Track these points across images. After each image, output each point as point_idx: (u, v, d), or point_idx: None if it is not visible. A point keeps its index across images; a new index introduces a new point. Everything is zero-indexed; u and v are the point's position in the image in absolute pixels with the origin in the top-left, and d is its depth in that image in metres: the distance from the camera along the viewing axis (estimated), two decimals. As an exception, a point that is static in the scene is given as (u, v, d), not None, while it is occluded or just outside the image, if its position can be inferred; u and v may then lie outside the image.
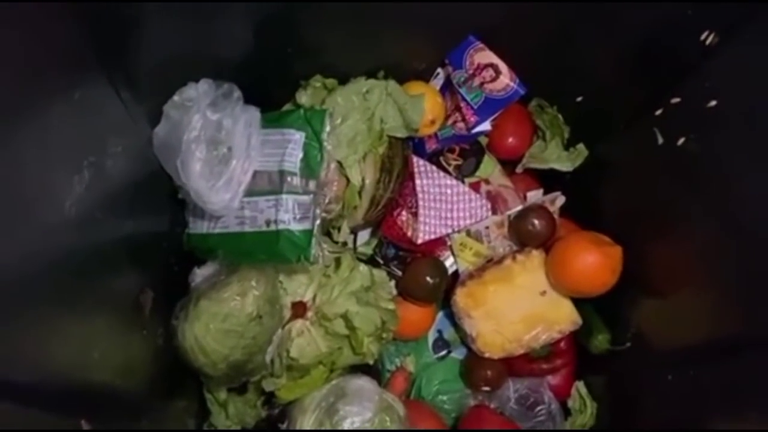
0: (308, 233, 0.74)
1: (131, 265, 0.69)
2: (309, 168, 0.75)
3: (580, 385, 0.89)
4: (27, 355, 0.48)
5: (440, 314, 0.92)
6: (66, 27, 0.55)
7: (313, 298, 0.79)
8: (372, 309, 0.78)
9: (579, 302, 0.85)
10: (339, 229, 0.84)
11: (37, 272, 0.50)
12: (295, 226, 0.74)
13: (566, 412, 0.89)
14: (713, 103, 0.63)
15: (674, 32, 0.67)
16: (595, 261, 0.79)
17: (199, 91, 0.75)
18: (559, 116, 0.87)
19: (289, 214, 0.73)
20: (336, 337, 0.78)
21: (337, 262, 0.81)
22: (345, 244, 0.86)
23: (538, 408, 0.87)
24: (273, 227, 0.74)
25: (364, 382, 0.79)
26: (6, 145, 0.46)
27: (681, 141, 0.68)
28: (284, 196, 0.73)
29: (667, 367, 0.73)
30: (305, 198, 0.74)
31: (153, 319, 0.74)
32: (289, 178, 0.74)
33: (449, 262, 0.89)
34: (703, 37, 0.63)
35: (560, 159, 0.86)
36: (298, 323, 0.79)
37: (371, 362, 0.80)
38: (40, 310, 0.50)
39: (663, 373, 0.72)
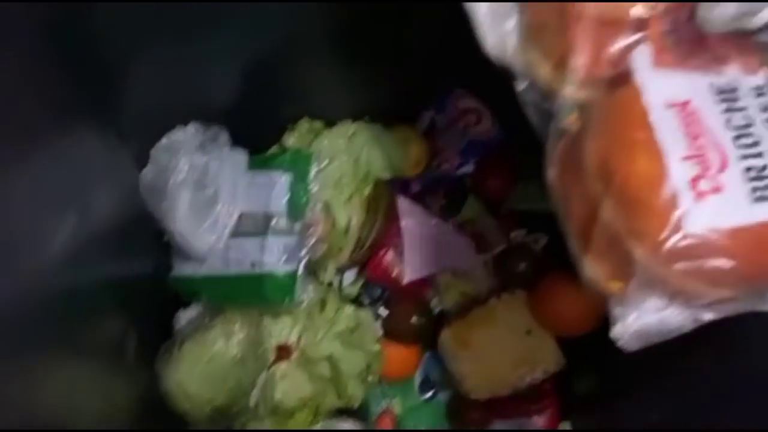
0: (293, 275, 0.75)
1: (116, 309, 0.69)
2: (295, 210, 0.75)
3: (566, 426, 0.88)
4: (6, 401, 0.48)
5: (427, 355, 0.91)
6: (53, 73, 0.56)
7: (298, 340, 0.79)
8: (357, 351, 0.77)
9: (563, 342, 0.86)
10: (325, 270, 0.84)
11: (20, 316, 0.50)
12: (281, 268, 0.74)
13: (553, 453, 0.88)
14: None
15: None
16: (578, 302, 0.80)
17: (187, 134, 0.76)
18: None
19: (274, 256, 0.74)
20: (321, 380, 0.77)
21: (322, 303, 0.81)
22: (330, 284, 0.86)
23: (525, 449, 0.86)
24: (258, 269, 0.74)
25: (349, 426, 0.79)
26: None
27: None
28: (270, 238, 0.74)
29: (652, 406, 0.73)
30: (291, 240, 0.75)
31: (137, 362, 0.73)
32: (274, 220, 0.74)
33: (435, 302, 0.89)
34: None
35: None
36: (283, 366, 0.78)
37: (356, 406, 0.80)
38: (22, 355, 0.49)
39: (648, 413, 0.72)
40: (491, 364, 0.84)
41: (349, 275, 0.89)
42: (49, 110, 0.56)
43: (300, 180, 0.76)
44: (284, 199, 0.75)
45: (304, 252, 0.76)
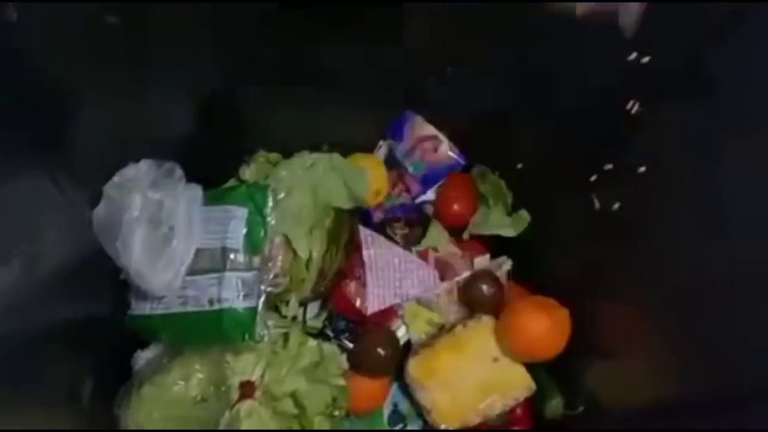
0: (253, 311, 0.73)
1: (68, 354, 0.67)
2: (252, 244, 0.74)
3: (539, 452, 0.87)
4: None
5: (394, 386, 0.89)
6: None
7: (261, 377, 0.77)
8: (322, 386, 0.76)
9: (531, 367, 0.85)
10: (287, 303, 0.83)
11: None
12: (239, 304, 0.73)
13: (526, 480, 0.87)
14: (642, 168, 0.66)
15: (603, 102, 0.70)
16: (543, 325, 0.79)
17: (140, 171, 0.75)
18: (502, 182, 0.89)
19: (232, 292, 0.72)
20: (285, 417, 0.76)
21: (285, 337, 0.79)
22: (294, 318, 0.85)
23: (497, 478, 0.85)
24: (216, 306, 0.73)
25: (316, 463, 0.77)
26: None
27: (616, 206, 0.70)
28: (227, 274, 0.73)
29: (623, 428, 0.72)
30: (249, 275, 0.74)
31: (94, 408, 0.71)
32: (232, 255, 0.73)
33: (401, 332, 0.88)
34: (628, 106, 0.66)
35: (504, 225, 0.87)
36: (247, 404, 0.76)
37: (322, 442, 0.78)
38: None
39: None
40: (459, 392, 0.83)
41: (313, 308, 0.88)
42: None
43: (257, 213, 0.75)
44: (241, 234, 0.74)
45: (263, 287, 0.75)
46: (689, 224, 0.61)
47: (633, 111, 0.66)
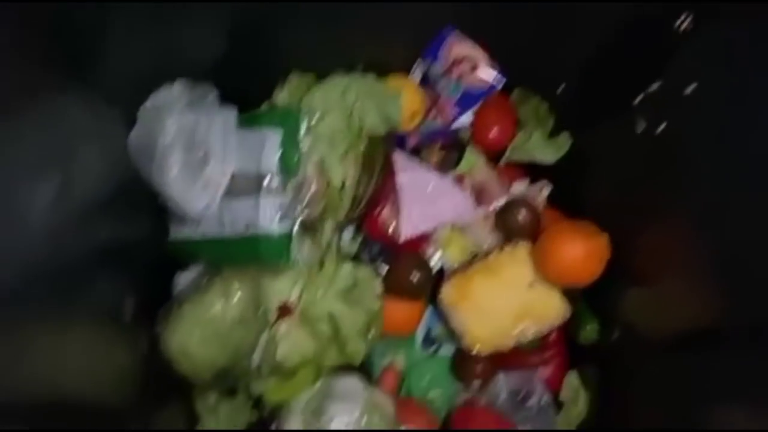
0: (288, 235, 0.73)
1: (110, 273, 0.68)
2: (287, 168, 0.74)
3: (572, 376, 0.87)
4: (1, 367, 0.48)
5: (429, 310, 0.90)
6: (32, 32, 0.54)
7: (298, 299, 0.78)
8: (357, 309, 0.77)
9: (566, 292, 0.84)
10: (322, 229, 0.83)
11: (8, 283, 0.49)
12: (275, 229, 0.73)
13: (558, 404, 0.88)
14: (692, 87, 0.62)
15: (651, 17, 0.66)
16: (581, 251, 0.78)
17: (174, 93, 0.74)
18: (542, 106, 0.86)
19: (268, 217, 0.73)
20: (322, 338, 0.77)
21: (321, 262, 0.80)
22: (329, 243, 0.85)
23: (530, 401, 0.85)
24: (252, 231, 0.73)
25: (351, 382, 0.79)
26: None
27: (661, 127, 0.67)
28: (262, 199, 0.72)
29: (659, 354, 0.72)
30: (284, 199, 0.73)
31: (135, 326, 0.73)
32: (267, 180, 0.73)
33: (435, 258, 0.88)
34: (678, 21, 0.62)
35: (544, 150, 0.85)
36: (284, 325, 0.78)
37: (358, 363, 0.80)
38: (9, 326, 0.49)
39: (654, 361, 0.72)
40: (493, 317, 0.84)
41: (347, 233, 0.88)
42: (30, 72, 0.55)
43: (291, 137, 0.74)
44: (276, 158, 0.73)
45: (298, 211, 0.75)
46: (735, 148, 0.59)
47: (683, 27, 0.62)
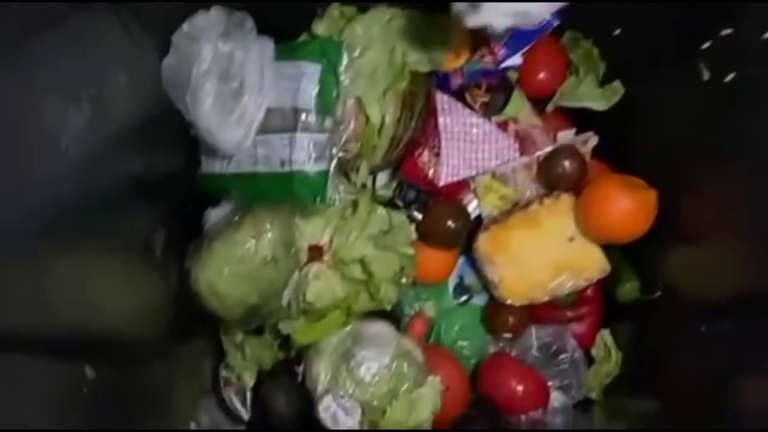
0: (324, 174, 0.71)
1: (141, 205, 0.67)
2: (325, 104, 0.70)
3: (605, 334, 0.86)
4: (29, 298, 0.47)
5: (462, 259, 0.88)
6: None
7: (330, 242, 0.77)
8: (390, 254, 0.75)
9: (607, 248, 0.82)
10: (357, 170, 0.80)
11: (38, 212, 0.48)
12: (310, 167, 0.70)
13: (590, 360, 0.86)
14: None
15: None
16: (628, 206, 0.75)
17: (210, 20, 0.71)
18: (595, 50, 0.81)
19: (303, 154, 0.70)
20: (353, 282, 0.76)
21: (355, 204, 0.77)
22: (364, 186, 0.82)
23: (561, 356, 0.84)
24: (287, 168, 0.71)
25: (381, 327, 0.78)
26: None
27: (729, 77, 0.63)
28: (298, 135, 0.70)
29: (700, 319, 0.69)
30: (321, 137, 0.71)
31: (165, 259, 0.72)
32: (303, 116, 0.70)
33: (473, 206, 0.85)
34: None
35: (594, 97, 0.81)
36: (315, 267, 0.76)
37: (389, 308, 0.78)
38: (42, 253, 0.47)
39: (695, 326, 0.69)
40: (529, 269, 0.81)
41: (383, 176, 0.86)
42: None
43: (330, 72, 0.70)
44: (313, 93, 0.70)
45: (335, 150, 0.72)
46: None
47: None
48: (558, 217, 0.81)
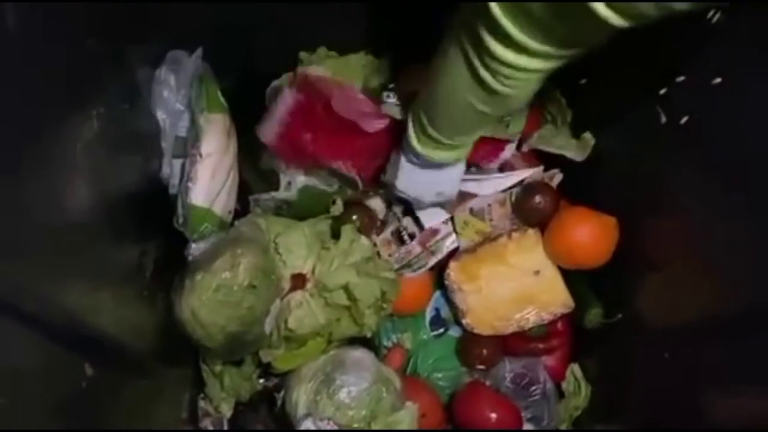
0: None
1: (135, 223, 0.70)
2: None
3: (575, 368, 0.89)
4: (39, 287, 0.48)
5: (438, 293, 0.92)
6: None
7: (312, 270, 0.79)
8: (372, 280, 0.77)
9: (573, 277, 0.85)
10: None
11: (52, 211, 0.51)
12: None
13: (561, 394, 0.89)
14: (718, 80, 0.64)
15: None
16: (592, 230, 0.80)
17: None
18: (562, 99, 0.87)
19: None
20: (335, 309, 0.78)
21: (337, 234, 0.81)
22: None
23: (533, 387, 0.87)
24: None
25: (361, 354, 0.80)
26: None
27: (684, 119, 0.69)
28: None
29: (663, 345, 0.73)
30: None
31: (154, 283, 0.74)
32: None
33: (450, 240, 0.89)
34: (709, 15, 0.63)
35: (571, 147, 0.86)
36: (298, 295, 0.78)
37: (369, 334, 0.81)
38: (53, 244, 0.50)
39: (659, 351, 0.72)
40: (495, 300, 0.85)
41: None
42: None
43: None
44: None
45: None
46: (761, 139, 0.60)
47: (714, 20, 0.64)
48: (524, 251, 0.84)
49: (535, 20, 0.46)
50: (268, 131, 0.82)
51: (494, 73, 0.53)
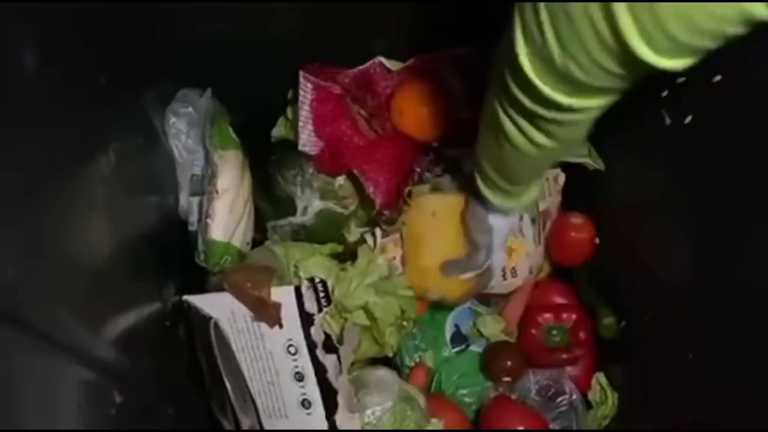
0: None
1: (153, 256, 0.71)
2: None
3: (600, 376, 0.88)
4: (69, 320, 0.49)
5: (457, 309, 0.91)
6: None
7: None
8: (391, 298, 0.78)
9: (584, 287, 0.88)
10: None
11: (77, 240, 0.53)
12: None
13: (588, 404, 0.88)
14: (717, 78, 0.64)
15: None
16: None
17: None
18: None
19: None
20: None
21: (354, 255, 0.82)
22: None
23: (560, 399, 0.86)
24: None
25: (384, 373, 0.80)
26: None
27: (688, 119, 0.69)
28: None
29: (686, 346, 0.72)
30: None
31: (175, 315, 0.75)
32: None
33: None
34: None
35: (590, 156, 0.86)
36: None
37: (391, 354, 0.81)
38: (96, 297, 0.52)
39: (683, 352, 0.72)
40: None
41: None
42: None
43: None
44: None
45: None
46: (763, 138, 0.60)
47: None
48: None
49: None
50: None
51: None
